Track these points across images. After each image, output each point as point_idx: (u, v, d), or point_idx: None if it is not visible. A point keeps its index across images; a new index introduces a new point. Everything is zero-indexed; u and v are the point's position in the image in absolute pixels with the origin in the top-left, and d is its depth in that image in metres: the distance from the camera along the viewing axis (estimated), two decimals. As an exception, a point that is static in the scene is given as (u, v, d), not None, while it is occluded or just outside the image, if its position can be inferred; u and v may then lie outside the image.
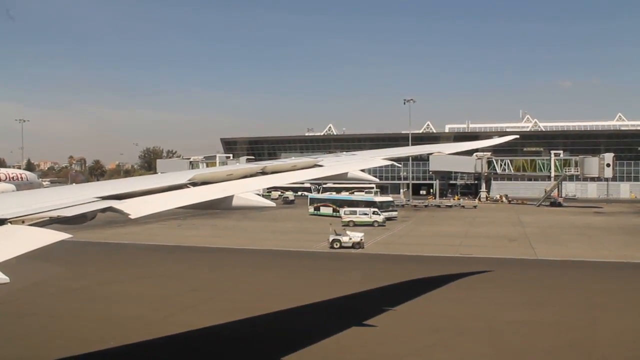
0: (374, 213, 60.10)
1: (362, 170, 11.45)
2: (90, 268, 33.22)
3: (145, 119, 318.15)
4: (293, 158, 12.69)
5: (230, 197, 8.34)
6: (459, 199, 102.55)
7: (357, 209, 61.92)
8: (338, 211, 69.31)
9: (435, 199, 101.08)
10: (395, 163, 13.78)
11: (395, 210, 67.62)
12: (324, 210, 71.47)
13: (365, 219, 58.81)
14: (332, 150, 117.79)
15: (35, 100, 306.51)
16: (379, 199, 70.84)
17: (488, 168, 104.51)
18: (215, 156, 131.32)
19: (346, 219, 58.94)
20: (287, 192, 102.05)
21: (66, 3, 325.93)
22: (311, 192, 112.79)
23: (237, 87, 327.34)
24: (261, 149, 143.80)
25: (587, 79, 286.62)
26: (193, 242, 45.95)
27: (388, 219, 63.55)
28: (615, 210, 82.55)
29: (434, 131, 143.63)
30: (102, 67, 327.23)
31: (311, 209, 73.37)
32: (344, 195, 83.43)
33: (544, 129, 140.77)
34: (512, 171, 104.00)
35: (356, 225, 56.29)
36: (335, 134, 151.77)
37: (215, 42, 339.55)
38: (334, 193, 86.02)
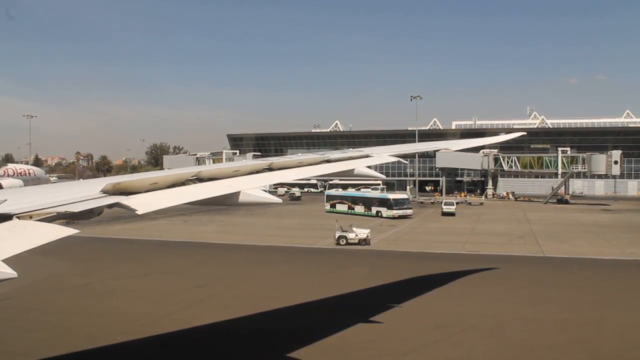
0: (457, 203, 73.64)
1: (369, 167, 11.43)
2: (97, 264, 33.39)
3: (152, 116, 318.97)
4: (299, 154, 12.68)
5: (237, 194, 8.34)
6: (465, 195, 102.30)
7: (453, 200, 74.54)
8: (353, 208, 69.23)
9: (441, 195, 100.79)
10: (401, 159, 13.74)
11: (410, 208, 66.97)
12: (340, 207, 71.36)
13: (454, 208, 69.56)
14: (339, 146, 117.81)
15: (42, 97, 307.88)
16: (393, 196, 70.28)
17: (495, 165, 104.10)
18: (221, 152, 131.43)
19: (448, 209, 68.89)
20: (293, 189, 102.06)
21: (72, 1, 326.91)
22: (317, 189, 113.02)
23: (243, 84, 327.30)
24: (267, 145, 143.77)
25: (595, 76, 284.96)
26: (199, 238, 46.09)
27: (402, 216, 63.41)
28: (622, 207, 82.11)
29: (441, 128, 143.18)
30: (109, 64, 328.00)
31: (327, 206, 73.22)
32: (353, 191, 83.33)
33: (551, 126, 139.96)
34: (519, 168, 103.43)
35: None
36: (341, 130, 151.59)
37: (222, 38, 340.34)
38: (340, 190, 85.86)
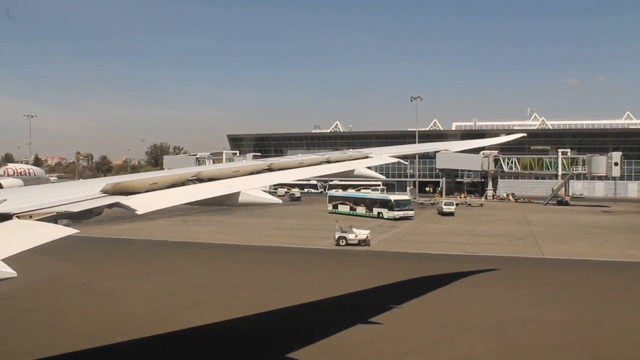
0: (457, 204, 75.03)
1: (369, 168, 11.44)
2: (96, 264, 33.37)
3: (152, 116, 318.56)
4: (300, 155, 12.68)
5: (237, 194, 8.34)
6: (465, 196, 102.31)
7: (453, 200, 77.97)
8: (355, 209, 69.19)
9: (441, 196, 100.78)
10: (402, 160, 13.76)
11: (412, 210, 66.43)
12: (342, 208, 71.28)
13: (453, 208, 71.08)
14: (339, 147, 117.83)
15: (42, 97, 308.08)
16: (394, 197, 69.96)
17: (495, 166, 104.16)
18: (221, 152, 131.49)
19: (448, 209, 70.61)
20: (293, 189, 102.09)
21: (72, 1, 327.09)
22: (317, 189, 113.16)
23: (244, 84, 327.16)
24: (268, 145, 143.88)
25: (595, 77, 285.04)
26: (199, 239, 46.08)
27: (404, 218, 63.14)
28: (622, 209, 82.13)
29: (441, 129, 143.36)
30: (109, 64, 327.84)
31: (330, 207, 73.14)
32: (353, 192, 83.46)
33: (551, 127, 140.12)
34: (519, 169, 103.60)
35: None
36: (341, 131, 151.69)
37: (222, 38, 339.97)
38: (341, 190, 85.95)
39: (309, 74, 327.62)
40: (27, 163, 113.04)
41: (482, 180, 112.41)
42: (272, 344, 18.23)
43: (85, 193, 6.88)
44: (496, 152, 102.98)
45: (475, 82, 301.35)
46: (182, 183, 8.05)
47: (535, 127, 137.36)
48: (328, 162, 10.89)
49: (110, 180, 7.50)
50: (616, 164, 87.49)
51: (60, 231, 5.53)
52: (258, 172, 9.42)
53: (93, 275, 29.53)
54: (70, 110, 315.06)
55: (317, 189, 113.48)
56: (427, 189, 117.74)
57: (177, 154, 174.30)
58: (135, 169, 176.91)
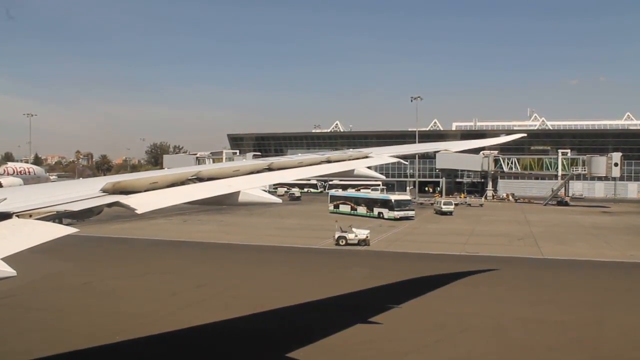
0: (455, 204, 75.24)
1: (369, 168, 11.43)
2: (96, 263, 33.35)
3: (153, 115, 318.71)
4: (299, 154, 12.68)
5: (237, 193, 8.33)
6: (465, 197, 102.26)
7: (451, 200, 78.73)
8: (356, 209, 69.24)
9: (441, 196, 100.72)
10: (401, 160, 13.74)
11: (412, 210, 66.13)
12: (343, 207, 71.33)
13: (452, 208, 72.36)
14: (339, 147, 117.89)
15: (42, 96, 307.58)
16: (394, 197, 69.82)
17: (495, 166, 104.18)
18: (221, 152, 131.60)
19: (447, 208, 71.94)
20: (293, 189, 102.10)
21: (72, 1, 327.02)
22: (317, 189, 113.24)
23: (244, 84, 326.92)
24: (268, 145, 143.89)
25: (595, 77, 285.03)
26: (199, 238, 46.07)
27: (404, 218, 62.99)
28: (622, 210, 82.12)
29: (441, 129, 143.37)
30: (109, 63, 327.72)
31: (331, 207, 73.10)
32: (352, 191, 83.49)
33: (551, 128, 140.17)
34: (519, 170, 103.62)
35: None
36: (341, 130, 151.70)
37: (222, 38, 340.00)
38: (340, 190, 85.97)
39: (309, 74, 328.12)
40: (27, 162, 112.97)
41: (482, 180, 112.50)
42: (272, 344, 18.22)
43: (85, 192, 6.87)
44: (496, 152, 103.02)
45: (475, 82, 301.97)
46: (182, 182, 8.05)
47: (535, 128, 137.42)
48: (328, 161, 10.88)
49: (110, 179, 7.49)
50: (616, 164, 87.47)
51: (60, 230, 5.52)
52: (258, 172, 9.41)
53: (93, 275, 29.51)
54: (71, 109, 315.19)
55: (317, 189, 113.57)
56: (427, 189, 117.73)
57: (177, 153, 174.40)
58: (135, 168, 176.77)
